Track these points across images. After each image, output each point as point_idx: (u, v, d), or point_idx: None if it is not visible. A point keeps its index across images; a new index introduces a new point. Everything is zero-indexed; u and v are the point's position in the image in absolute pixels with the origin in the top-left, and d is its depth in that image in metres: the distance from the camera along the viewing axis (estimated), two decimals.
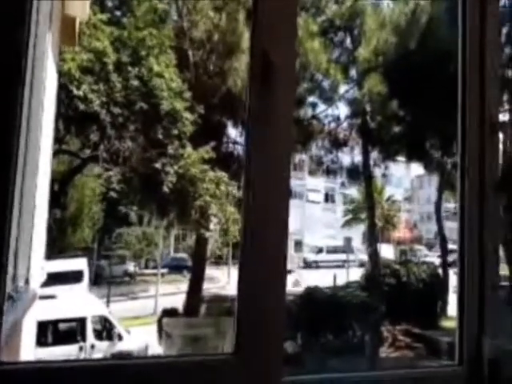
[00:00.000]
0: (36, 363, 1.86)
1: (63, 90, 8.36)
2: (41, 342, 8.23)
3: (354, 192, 22.48)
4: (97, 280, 15.89)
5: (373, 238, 15.92)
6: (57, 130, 7.88)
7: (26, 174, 2.07)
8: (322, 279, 14.31)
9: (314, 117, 14.53)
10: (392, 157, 15.33)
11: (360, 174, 15.71)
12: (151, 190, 10.28)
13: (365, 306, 11.52)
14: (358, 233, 23.01)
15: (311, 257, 23.47)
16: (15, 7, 1.12)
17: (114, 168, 10.14)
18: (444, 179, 15.73)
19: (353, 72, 14.66)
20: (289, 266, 1.35)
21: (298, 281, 15.09)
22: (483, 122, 1.58)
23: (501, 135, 1.64)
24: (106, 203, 14.20)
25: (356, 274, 15.34)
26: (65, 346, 9.33)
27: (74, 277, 12.58)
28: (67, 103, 8.75)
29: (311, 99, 14.30)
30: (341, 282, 15.16)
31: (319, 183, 27.43)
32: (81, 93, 8.89)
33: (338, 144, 15.21)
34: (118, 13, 10.98)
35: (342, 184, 18.24)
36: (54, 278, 9.23)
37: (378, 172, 16.32)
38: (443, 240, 15.78)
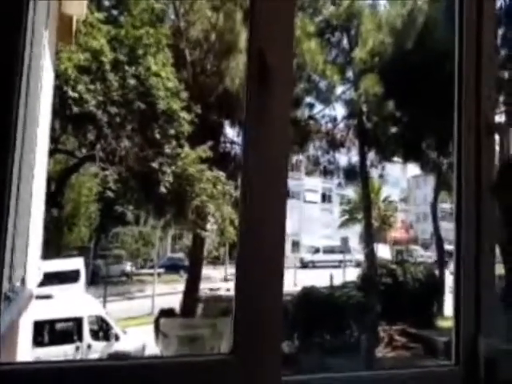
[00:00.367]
0: (33, 364, 1.86)
1: (60, 89, 8.34)
2: (37, 341, 8.20)
3: (351, 192, 22.52)
4: (93, 280, 15.85)
5: (369, 238, 15.94)
6: (53, 129, 7.86)
7: (23, 173, 2.06)
8: (318, 279, 14.32)
9: (310, 117, 14.55)
10: (388, 157, 15.39)
11: (357, 175, 15.73)
12: (148, 189, 10.26)
13: (361, 305, 11.55)
14: (354, 233, 23.05)
15: (308, 257, 23.50)
16: (12, 6, 1.12)
17: (111, 167, 10.11)
18: (440, 179, 15.78)
19: (349, 73, 14.69)
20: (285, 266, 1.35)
21: None
22: (479, 122, 1.59)
23: (496, 136, 1.65)
24: (103, 203, 14.16)
25: (352, 274, 15.37)
26: (61, 346, 9.30)
27: (70, 276, 12.55)
28: (63, 102, 8.72)
29: (308, 100, 14.33)
30: (337, 282, 15.18)
31: (316, 183, 27.47)
32: (77, 92, 8.86)
33: (334, 144, 15.23)
34: (114, 11, 10.95)
35: (339, 184, 18.25)
36: (51, 278, 9.22)
37: (374, 172, 16.37)
38: (439, 240, 15.83)
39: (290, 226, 18.93)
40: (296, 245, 24.71)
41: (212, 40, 11.89)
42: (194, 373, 1.21)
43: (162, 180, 9.93)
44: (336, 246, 23.63)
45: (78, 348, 9.52)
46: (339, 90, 14.54)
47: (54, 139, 8.87)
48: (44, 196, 3.79)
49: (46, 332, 9.37)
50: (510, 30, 10.38)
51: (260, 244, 1.28)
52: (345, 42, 14.74)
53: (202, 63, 12.06)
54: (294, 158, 19.98)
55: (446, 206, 20.71)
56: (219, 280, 17.03)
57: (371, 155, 15.24)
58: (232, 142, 13.68)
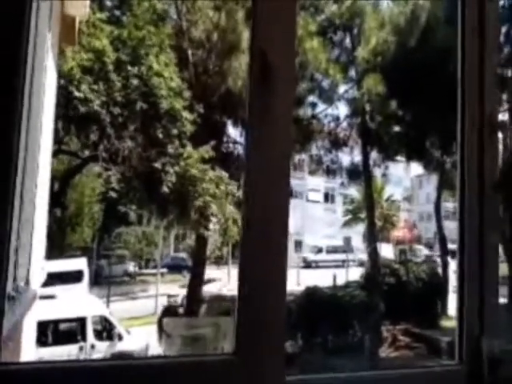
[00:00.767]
0: (36, 364, 1.86)
1: (63, 89, 8.36)
2: (41, 341, 8.23)
3: (354, 192, 22.48)
4: (97, 280, 15.90)
5: (372, 237, 15.92)
6: (56, 129, 7.88)
7: (26, 174, 2.07)
8: (321, 279, 14.31)
9: (313, 116, 14.53)
10: (391, 156, 15.35)
11: (360, 174, 15.71)
12: (151, 189, 10.28)
13: (365, 305, 11.53)
14: (357, 232, 23.02)
15: (311, 256, 23.48)
16: (15, 7, 1.12)
17: (114, 168, 10.13)
18: (443, 178, 15.74)
19: (352, 71, 14.67)
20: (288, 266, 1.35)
21: None
22: (482, 121, 1.59)
23: (500, 134, 1.64)
24: (106, 203, 14.20)
25: (356, 274, 15.34)
26: (65, 346, 9.33)
27: (73, 277, 12.59)
28: (67, 103, 8.74)
29: (311, 99, 14.33)
30: (340, 281, 15.16)
31: (319, 183, 27.45)
32: (80, 92, 8.88)
33: (337, 144, 15.22)
34: (117, 12, 10.97)
35: (342, 184, 18.24)
36: (54, 278, 9.26)
37: (377, 172, 16.34)
38: (443, 239, 15.79)
39: (293, 225, 18.92)
40: (299, 244, 24.70)
41: (214, 40, 11.90)
42: (197, 373, 1.21)
43: (164, 180, 9.95)
44: (339, 245, 23.62)
45: (81, 348, 9.55)
46: (342, 88, 14.54)
47: (57, 140, 8.89)
48: (47, 196, 3.80)
49: (50, 332, 9.40)
50: None
51: (263, 244, 1.27)
52: (347, 40, 14.73)
53: (204, 63, 12.07)
54: (297, 158, 19.97)
55: (450, 204, 20.66)
56: (222, 280, 17.06)
57: (374, 154, 15.21)
58: (235, 142, 13.69)
